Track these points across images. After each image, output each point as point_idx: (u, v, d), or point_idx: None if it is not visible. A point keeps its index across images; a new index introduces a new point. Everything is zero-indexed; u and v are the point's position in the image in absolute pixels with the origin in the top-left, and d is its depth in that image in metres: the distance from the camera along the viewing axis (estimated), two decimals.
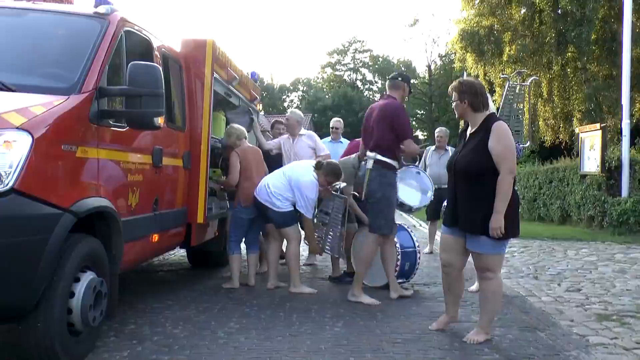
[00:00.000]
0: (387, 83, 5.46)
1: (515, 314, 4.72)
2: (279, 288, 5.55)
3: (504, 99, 5.40)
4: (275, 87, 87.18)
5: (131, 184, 4.13)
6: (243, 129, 6.15)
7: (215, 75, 5.79)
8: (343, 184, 5.63)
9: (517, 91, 5.42)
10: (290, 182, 5.41)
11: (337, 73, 68.00)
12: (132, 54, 4.26)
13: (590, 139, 11.46)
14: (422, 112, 46.63)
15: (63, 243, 3.10)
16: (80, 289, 3.28)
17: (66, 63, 3.69)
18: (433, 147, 8.49)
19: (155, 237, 4.70)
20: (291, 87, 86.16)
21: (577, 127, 17.09)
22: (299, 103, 77.52)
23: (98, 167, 3.58)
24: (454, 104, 3.97)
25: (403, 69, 54.69)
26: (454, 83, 4.00)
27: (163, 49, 4.98)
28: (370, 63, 64.37)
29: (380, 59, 63.99)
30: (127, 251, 4.08)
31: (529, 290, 5.75)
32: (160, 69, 3.77)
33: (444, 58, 43.01)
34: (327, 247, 5.53)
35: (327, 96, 65.17)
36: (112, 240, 3.79)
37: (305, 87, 79.34)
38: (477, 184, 3.67)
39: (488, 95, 3.95)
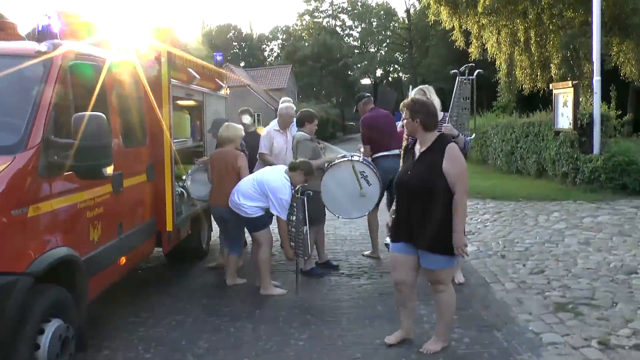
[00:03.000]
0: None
1: (475, 309, 4.92)
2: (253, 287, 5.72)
3: (454, 93, 5.40)
4: (254, 36, 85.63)
5: (91, 220, 4.18)
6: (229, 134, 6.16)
7: (174, 81, 5.75)
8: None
9: (464, 84, 5.42)
10: (262, 187, 5.48)
11: (316, 20, 66.65)
12: (80, 87, 4.23)
13: (563, 95, 11.49)
14: (403, 56, 46.23)
15: (22, 304, 3.18)
16: (45, 341, 3.36)
17: (8, 117, 3.65)
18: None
19: (123, 260, 4.79)
20: (270, 37, 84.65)
21: (554, 73, 17.11)
22: (278, 52, 76.30)
23: (53, 218, 3.61)
24: (404, 121, 4.01)
25: (382, 13, 53.80)
26: (407, 100, 4.04)
27: (116, 68, 4.92)
28: (349, 8, 63.01)
29: (359, 4, 62.67)
30: (94, 283, 4.20)
31: (494, 274, 5.95)
32: (105, 118, 3.73)
33: (422, 2, 42.22)
34: (299, 251, 5.65)
35: (306, 44, 64.15)
36: (76, 282, 3.86)
37: (284, 36, 77.91)
38: (431, 202, 3.76)
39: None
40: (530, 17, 16.10)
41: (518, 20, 16.26)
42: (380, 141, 6.58)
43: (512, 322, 4.58)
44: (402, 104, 4.10)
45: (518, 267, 6.19)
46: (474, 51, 17.35)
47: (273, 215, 5.65)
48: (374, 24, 57.60)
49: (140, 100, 5.41)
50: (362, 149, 6.70)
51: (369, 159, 6.41)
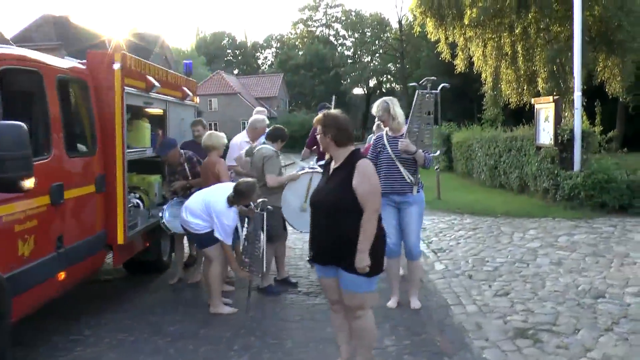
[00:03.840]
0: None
1: (430, 334, 4.71)
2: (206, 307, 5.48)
3: (413, 107, 5.21)
4: (248, 44, 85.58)
5: (20, 233, 3.94)
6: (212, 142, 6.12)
7: (128, 89, 5.54)
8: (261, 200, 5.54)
9: (426, 99, 5.23)
10: (208, 208, 5.26)
11: (310, 29, 66.68)
12: (13, 93, 4.02)
13: (545, 110, 11.34)
14: (395, 67, 46.08)
15: None
16: None
17: None
18: None
19: (62, 275, 4.55)
20: (264, 45, 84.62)
21: (541, 87, 16.97)
22: (272, 60, 76.26)
23: None
24: (318, 137, 3.80)
25: (375, 23, 53.81)
26: (319, 115, 3.82)
27: (60, 74, 4.71)
28: (343, 18, 63.07)
29: (353, 14, 62.74)
30: (22, 302, 3.96)
31: (457, 295, 5.74)
32: (25, 127, 3.51)
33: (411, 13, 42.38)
34: (253, 268, 5.43)
35: (300, 53, 64.16)
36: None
37: (278, 44, 77.89)
38: (343, 221, 3.53)
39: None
40: (517, 30, 15.98)
41: (504, 34, 16.13)
42: None
43: (466, 349, 4.37)
44: (315, 119, 3.89)
45: (484, 288, 5.98)
46: (459, 63, 17.19)
47: None
48: (368, 33, 57.60)
49: (89, 108, 5.19)
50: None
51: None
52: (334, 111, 3.74)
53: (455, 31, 16.32)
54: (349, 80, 56.49)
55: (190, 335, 4.76)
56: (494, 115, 19.95)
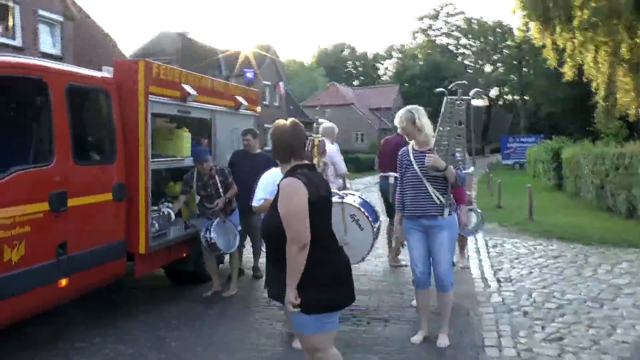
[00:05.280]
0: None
1: None
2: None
3: (441, 117, 4.57)
4: (368, 55, 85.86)
5: (7, 240, 3.93)
6: None
7: (156, 98, 5.47)
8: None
9: (456, 107, 4.56)
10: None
11: (430, 39, 65.30)
12: (11, 100, 4.05)
13: None
14: (513, 77, 43.34)
15: None
16: None
17: None
18: None
19: (63, 282, 4.52)
20: (385, 55, 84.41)
21: None
22: (393, 70, 75.79)
23: None
24: None
25: (498, 30, 51.34)
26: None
27: (72, 82, 4.71)
28: (464, 26, 60.97)
29: (475, 21, 60.38)
30: (10, 305, 3.97)
31: (499, 335, 4.96)
32: None
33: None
34: None
35: (420, 63, 63.08)
36: None
37: (399, 55, 77.35)
38: (278, 249, 3.02)
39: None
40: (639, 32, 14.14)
41: (621, 36, 14.33)
42: (384, 163, 7.19)
43: None
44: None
45: (535, 329, 5.12)
46: (567, 71, 15.61)
47: None
48: (491, 40, 54.97)
49: (109, 116, 5.17)
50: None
51: (366, 200, 5.73)
52: (280, 120, 3.28)
53: (562, 35, 14.81)
54: (462, 91, 54.04)
55: (189, 349, 4.51)
56: (616, 129, 17.97)
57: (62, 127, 4.49)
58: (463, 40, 62.43)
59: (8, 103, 4.52)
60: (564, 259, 7.94)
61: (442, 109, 4.54)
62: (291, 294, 2.93)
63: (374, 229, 5.36)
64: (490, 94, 57.69)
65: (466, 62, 60.64)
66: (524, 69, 39.21)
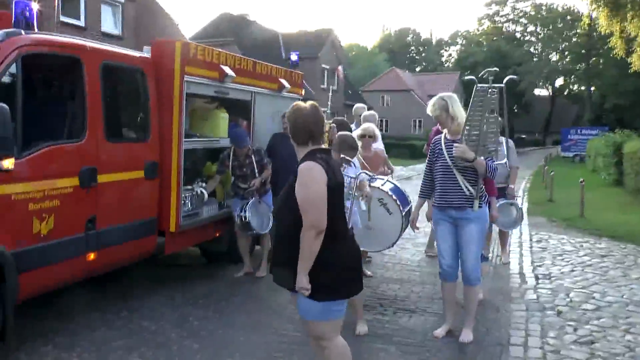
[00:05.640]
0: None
1: None
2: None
3: (471, 105, 4.37)
4: (433, 41, 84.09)
5: (36, 212, 4.07)
6: None
7: (193, 78, 5.52)
8: None
9: (488, 95, 4.35)
10: None
11: (496, 25, 63.13)
12: (45, 77, 4.17)
13: None
14: (579, 66, 41.03)
15: None
16: None
17: None
18: None
19: (91, 256, 4.66)
20: (449, 41, 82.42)
21: None
22: (456, 56, 74.02)
23: None
24: None
25: (568, 18, 49.03)
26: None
27: (108, 61, 4.81)
28: (532, 13, 58.52)
29: (544, 8, 57.84)
30: (37, 276, 4.12)
31: (527, 334, 4.77)
32: (7, 108, 3.57)
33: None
34: None
35: (484, 50, 61.23)
36: (4, 273, 3.80)
37: (464, 41, 75.40)
38: (289, 235, 2.99)
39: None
40: None
41: None
42: None
43: None
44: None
45: (567, 330, 4.90)
46: (635, 61, 14.69)
47: None
48: (559, 28, 52.47)
49: (144, 96, 5.26)
50: None
51: (396, 184, 5.60)
52: (300, 103, 3.21)
53: (633, 22, 13.89)
54: (526, 80, 52.02)
55: (210, 329, 4.58)
56: None
57: (95, 105, 4.60)
58: (530, 28, 60.09)
59: (44, 80, 4.66)
60: (611, 259, 7.56)
61: (472, 98, 4.35)
62: (303, 280, 2.91)
63: (403, 214, 5.25)
64: (555, 84, 55.49)
65: (532, 50, 58.32)
66: (593, 58, 37.15)
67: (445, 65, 77.15)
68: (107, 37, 16.92)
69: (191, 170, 6.31)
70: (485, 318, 5.15)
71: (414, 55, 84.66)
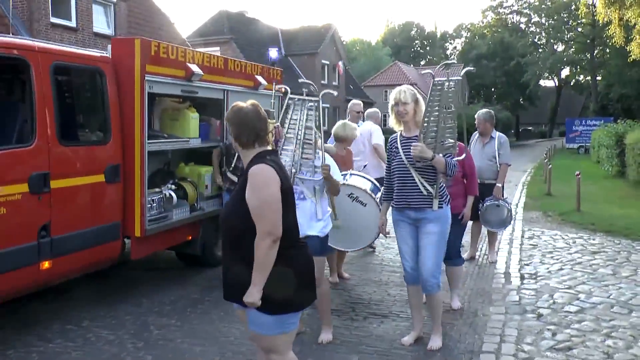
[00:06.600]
0: None
1: None
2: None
3: (428, 100, 4.14)
4: (437, 34, 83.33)
5: None
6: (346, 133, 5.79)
7: (155, 77, 5.32)
8: None
9: (445, 88, 4.13)
10: None
11: (500, 17, 62.40)
12: None
13: None
14: (584, 57, 40.33)
15: None
16: None
17: None
18: (477, 133, 7.18)
19: (45, 264, 4.49)
20: (454, 34, 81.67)
21: None
22: (460, 49, 73.46)
23: None
24: None
25: (573, 8, 48.35)
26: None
27: (59, 62, 4.62)
28: (536, 3, 57.77)
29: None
30: None
31: (502, 340, 4.54)
32: None
33: None
34: None
35: (489, 42, 60.67)
36: None
37: (468, 34, 74.75)
38: (238, 244, 2.78)
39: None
40: None
41: None
42: None
43: None
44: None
45: (545, 335, 4.66)
46: (635, 49, 14.32)
47: None
48: (564, 18, 51.74)
49: (103, 97, 5.07)
50: None
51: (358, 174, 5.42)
52: (240, 103, 3.00)
53: (632, 10, 13.51)
54: (530, 72, 51.28)
55: (169, 338, 4.40)
56: None
57: (45, 108, 4.42)
58: (535, 19, 59.31)
59: None
60: (602, 256, 7.30)
61: (429, 92, 4.12)
62: (257, 294, 2.70)
63: (378, 201, 5.04)
64: (561, 75, 54.81)
65: (537, 41, 57.64)
66: (598, 47, 36.55)
67: (450, 58, 76.52)
68: (100, 37, 16.79)
69: (160, 172, 6.14)
70: (460, 322, 4.93)
71: (419, 49, 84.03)
